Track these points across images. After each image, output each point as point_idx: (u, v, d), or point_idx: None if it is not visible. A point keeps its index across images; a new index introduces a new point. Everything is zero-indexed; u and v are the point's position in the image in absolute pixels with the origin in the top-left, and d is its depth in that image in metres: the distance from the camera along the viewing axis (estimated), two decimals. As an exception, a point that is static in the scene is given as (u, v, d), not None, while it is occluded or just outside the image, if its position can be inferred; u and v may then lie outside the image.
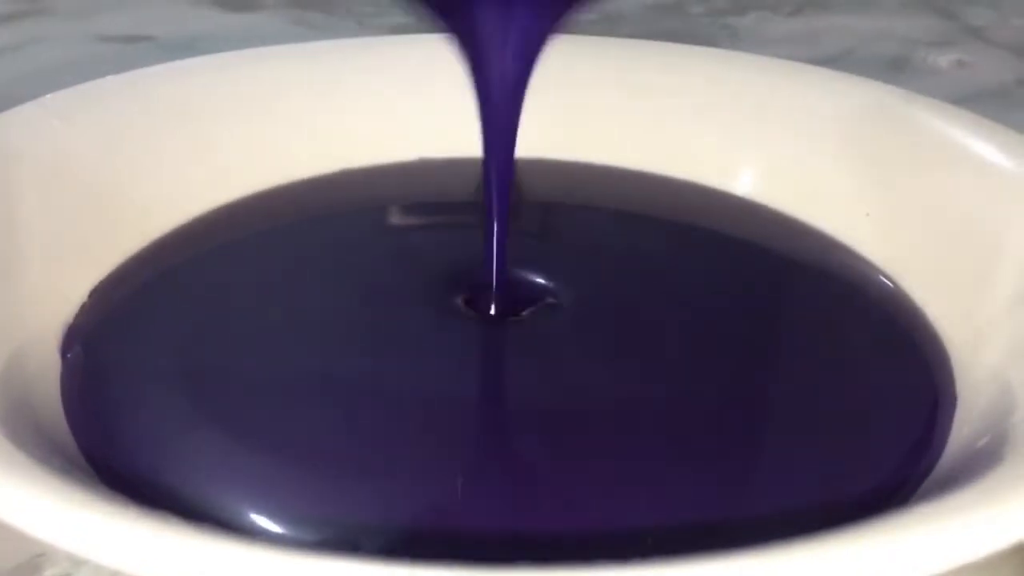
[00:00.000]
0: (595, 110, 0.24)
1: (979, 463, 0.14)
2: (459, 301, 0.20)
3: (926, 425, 0.17)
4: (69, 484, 0.13)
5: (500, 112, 0.18)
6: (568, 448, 0.17)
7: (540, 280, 0.20)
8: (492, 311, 0.19)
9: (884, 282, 0.21)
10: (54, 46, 0.34)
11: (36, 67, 0.32)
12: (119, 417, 0.17)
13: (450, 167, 0.24)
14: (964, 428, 0.17)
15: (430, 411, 0.17)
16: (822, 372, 0.19)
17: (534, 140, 0.24)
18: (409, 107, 0.24)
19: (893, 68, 0.33)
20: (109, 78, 0.23)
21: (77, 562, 0.16)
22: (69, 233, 0.20)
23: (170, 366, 0.18)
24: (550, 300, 0.20)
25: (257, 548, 0.11)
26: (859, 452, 0.17)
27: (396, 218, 0.24)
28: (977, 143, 0.21)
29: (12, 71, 0.32)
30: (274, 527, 0.15)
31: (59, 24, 0.36)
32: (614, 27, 0.37)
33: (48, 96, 0.22)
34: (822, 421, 0.18)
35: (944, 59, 0.34)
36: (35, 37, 0.34)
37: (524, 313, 0.19)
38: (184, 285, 0.21)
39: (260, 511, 0.15)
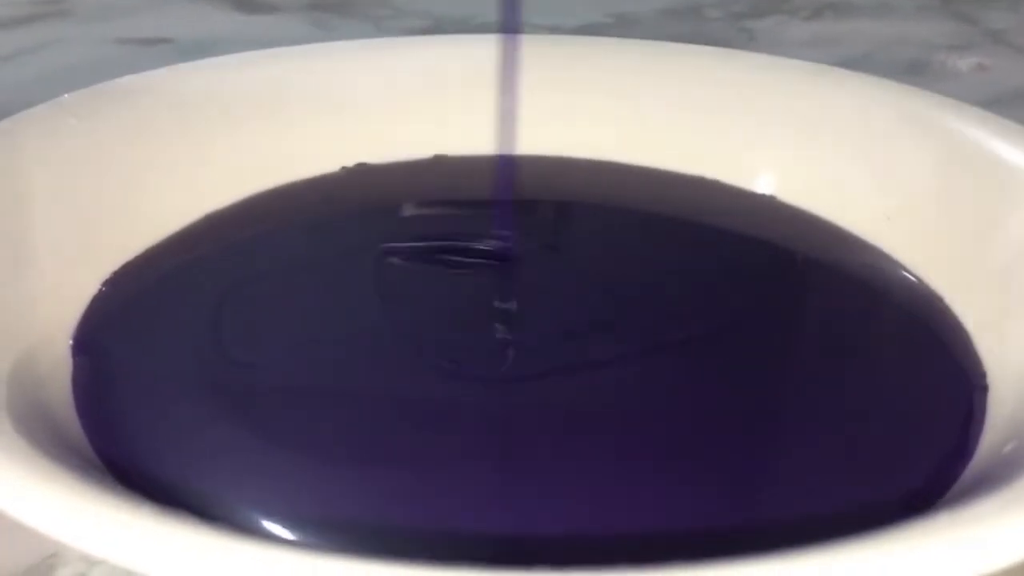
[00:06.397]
0: (618, 110, 0.24)
1: (1007, 468, 0.14)
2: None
3: (958, 430, 0.17)
4: (83, 483, 0.13)
5: None
6: (590, 451, 0.16)
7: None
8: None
9: (911, 281, 0.20)
10: (73, 48, 0.34)
11: (55, 68, 0.32)
12: (131, 415, 0.17)
13: (465, 164, 0.24)
14: (992, 434, 0.16)
15: (444, 415, 0.17)
16: (851, 372, 0.19)
17: (554, 138, 0.24)
18: (425, 106, 0.24)
19: (913, 71, 0.33)
20: (126, 78, 0.23)
21: (91, 562, 0.15)
22: (82, 231, 0.20)
23: (182, 364, 0.18)
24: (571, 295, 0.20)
25: (271, 548, 0.11)
26: (888, 456, 0.17)
27: (411, 215, 0.24)
28: (1000, 144, 0.21)
29: (32, 72, 0.32)
30: (288, 526, 0.15)
31: (78, 26, 0.36)
32: (629, 31, 0.37)
33: (66, 96, 0.22)
34: (850, 423, 0.17)
35: (964, 62, 0.34)
36: (54, 39, 0.34)
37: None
38: (196, 283, 0.20)
39: (274, 510, 0.15)
